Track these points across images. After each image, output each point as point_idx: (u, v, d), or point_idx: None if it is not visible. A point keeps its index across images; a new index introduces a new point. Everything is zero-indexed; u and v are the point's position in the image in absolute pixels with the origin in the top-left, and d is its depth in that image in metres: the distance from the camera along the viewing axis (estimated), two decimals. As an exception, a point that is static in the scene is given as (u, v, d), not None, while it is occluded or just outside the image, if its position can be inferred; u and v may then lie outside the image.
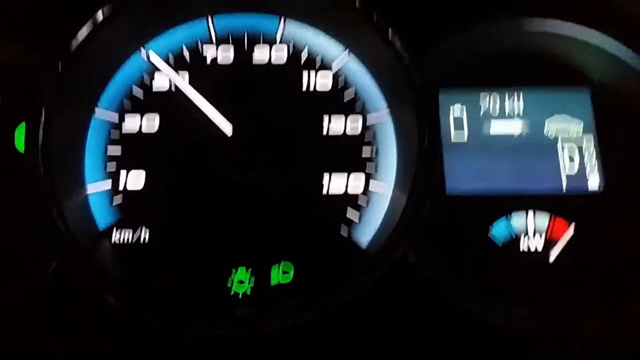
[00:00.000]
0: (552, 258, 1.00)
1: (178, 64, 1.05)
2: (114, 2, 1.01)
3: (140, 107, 1.03)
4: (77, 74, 0.99)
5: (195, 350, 0.92)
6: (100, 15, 1.01)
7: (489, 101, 1.08)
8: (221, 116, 1.00)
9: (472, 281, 0.97)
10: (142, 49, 1.06)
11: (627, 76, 1.07)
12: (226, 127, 1.00)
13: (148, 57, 1.05)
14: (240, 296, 0.96)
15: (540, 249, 1.00)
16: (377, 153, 1.03)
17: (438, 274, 0.95)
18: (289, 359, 0.92)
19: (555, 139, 1.06)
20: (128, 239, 0.98)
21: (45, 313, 0.92)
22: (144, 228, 0.98)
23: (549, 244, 1.01)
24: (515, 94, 1.09)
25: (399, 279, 0.93)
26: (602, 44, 1.08)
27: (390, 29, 1.02)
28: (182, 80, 1.03)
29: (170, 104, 1.03)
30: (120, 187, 1.00)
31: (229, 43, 1.06)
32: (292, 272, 0.97)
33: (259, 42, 1.07)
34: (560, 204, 1.02)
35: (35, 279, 0.93)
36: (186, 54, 1.05)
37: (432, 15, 1.06)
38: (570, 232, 1.01)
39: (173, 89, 1.04)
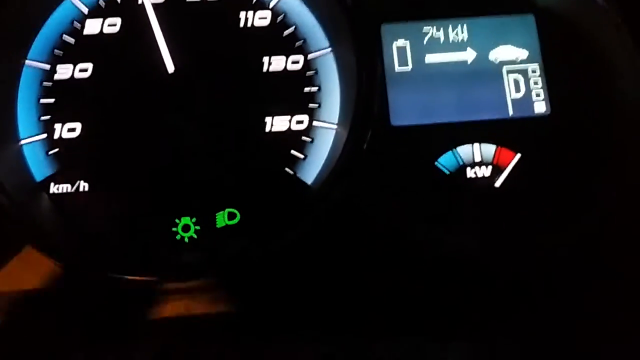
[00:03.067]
0: (498, 183, 0.99)
1: (109, 8, 1.01)
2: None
3: (73, 56, 1.00)
4: (2, 24, 0.95)
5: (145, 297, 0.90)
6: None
7: (432, 33, 1.06)
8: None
9: (419, 210, 0.96)
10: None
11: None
12: (170, 64, 0.97)
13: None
14: (186, 240, 0.94)
15: (487, 175, 0.99)
16: (320, 90, 1.00)
17: (384, 205, 0.94)
18: (239, 299, 0.91)
19: (500, 66, 1.05)
20: (67, 189, 0.95)
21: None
22: (82, 177, 0.95)
23: (496, 170, 1.00)
24: (460, 25, 1.07)
25: (344, 212, 0.91)
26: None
27: (328, -36, 0.99)
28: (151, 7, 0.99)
29: (103, 49, 1.00)
30: (56, 136, 0.97)
31: (161, -16, 1.03)
32: (238, 215, 0.95)
33: (194, -17, 1.03)
34: (507, 129, 1.01)
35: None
36: (118, -2, 1.02)
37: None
38: (516, 158, 1.00)
39: (105, 32, 1.01)
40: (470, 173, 1.00)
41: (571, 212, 0.97)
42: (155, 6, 1.00)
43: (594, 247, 0.94)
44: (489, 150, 1.01)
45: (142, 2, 1.00)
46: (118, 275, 0.87)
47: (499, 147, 1.01)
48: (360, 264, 0.93)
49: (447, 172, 1.00)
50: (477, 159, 1.00)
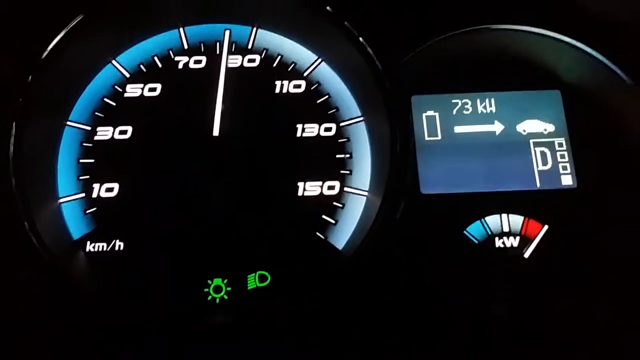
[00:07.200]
0: (527, 254, 1.00)
1: (150, 73, 1.05)
2: (84, 15, 1.00)
3: (113, 118, 1.03)
4: (47, 86, 0.98)
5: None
6: (70, 28, 1.00)
7: (461, 105, 1.09)
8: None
9: (449, 278, 0.97)
10: (113, 60, 1.06)
11: (597, 75, 1.08)
12: (217, 127, 1.00)
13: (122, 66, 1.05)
14: (217, 301, 0.95)
15: (515, 245, 1.00)
16: (351, 157, 1.03)
17: (413, 272, 0.95)
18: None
19: (528, 139, 1.07)
20: (103, 247, 0.97)
21: (17, 324, 0.90)
22: (118, 237, 0.97)
23: (524, 241, 1.01)
24: (487, 98, 1.10)
25: (375, 279, 0.92)
26: (571, 45, 1.09)
27: (362, 36, 1.02)
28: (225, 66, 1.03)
29: (143, 112, 1.03)
30: (94, 196, 0.99)
31: (201, 52, 1.07)
32: (269, 278, 0.97)
33: (231, 51, 1.07)
34: (535, 201, 1.03)
35: (8, 291, 0.92)
36: (158, 63, 1.05)
37: (403, 22, 1.07)
38: (544, 230, 1.01)
39: (145, 95, 1.04)
40: (498, 243, 1.01)
41: (598, 284, 0.97)
42: (198, 71, 1.04)
43: (622, 317, 0.94)
44: (516, 221, 1.02)
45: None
46: (151, 335, 0.88)
47: (527, 218, 1.02)
48: (388, 328, 0.93)
49: (476, 242, 1.01)
50: (505, 229, 1.02)
